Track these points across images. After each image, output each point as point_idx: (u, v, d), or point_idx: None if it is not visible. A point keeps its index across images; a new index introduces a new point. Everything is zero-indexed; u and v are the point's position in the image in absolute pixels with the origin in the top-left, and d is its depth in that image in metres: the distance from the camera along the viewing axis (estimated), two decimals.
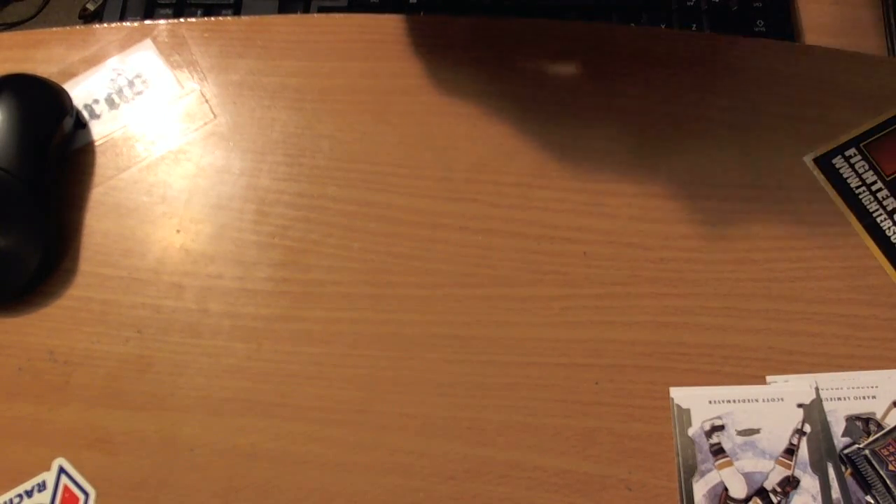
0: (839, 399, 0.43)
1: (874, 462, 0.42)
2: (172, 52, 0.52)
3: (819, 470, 0.42)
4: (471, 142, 0.49)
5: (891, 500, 0.41)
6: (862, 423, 0.42)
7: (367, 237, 0.47)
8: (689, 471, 0.42)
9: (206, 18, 0.54)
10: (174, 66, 0.52)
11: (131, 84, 0.52)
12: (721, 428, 0.43)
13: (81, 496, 0.43)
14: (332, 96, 0.51)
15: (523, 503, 0.42)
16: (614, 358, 0.45)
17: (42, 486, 0.43)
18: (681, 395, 0.44)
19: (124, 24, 0.53)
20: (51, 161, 0.48)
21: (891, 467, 0.41)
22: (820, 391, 0.43)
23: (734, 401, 0.43)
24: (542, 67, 0.51)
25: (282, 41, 0.52)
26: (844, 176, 0.48)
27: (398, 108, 0.50)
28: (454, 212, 0.48)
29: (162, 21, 0.53)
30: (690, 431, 0.43)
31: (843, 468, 0.42)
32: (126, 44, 0.52)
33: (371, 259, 0.47)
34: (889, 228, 0.47)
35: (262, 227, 0.48)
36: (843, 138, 0.49)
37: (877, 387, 0.43)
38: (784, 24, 0.54)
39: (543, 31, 0.52)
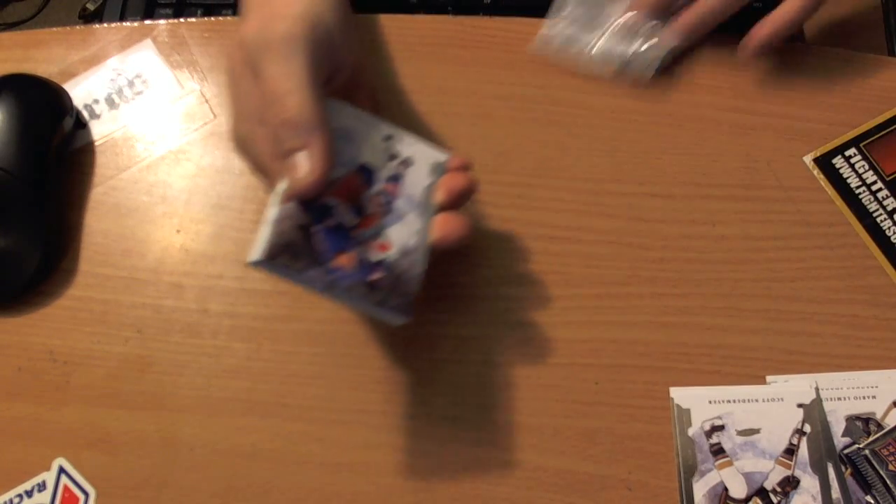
0: (839, 399, 0.43)
1: (874, 462, 0.42)
2: (172, 52, 0.52)
3: (819, 470, 0.42)
4: (471, 142, 0.49)
5: (891, 500, 0.41)
6: (862, 423, 0.42)
7: None
8: (689, 471, 0.42)
9: (206, 18, 0.54)
10: (174, 66, 0.52)
11: (131, 84, 0.52)
12: (721, 428, 0.43)
13: (81, 496, 0.43)
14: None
15: (523, 503, 0.42)
16: (614, 358, 0.45)
17: (42, 486, 0.43)
18: (681, 395, 0.44)
19: (124, 24, 0.53)
20: (51, 161, 0.48)
21: (891, 467, 0.41)
22: (820, 391, 0.43)
23: (734, 401, 0.43)
24: (542, 67, 0.51)
25: None
26: (844, 176, 0.48)
27: (399, 108, 0.50)
28: None
29: (162, 21, 0.53)
30: (690, 431, 0.43)
31: (843, 468, 0.42)
32: (126, 44, 0.52)
33: None
34: (889, 228, 0.47)
35: None
36: (843, 138, 0.49)
37: (877, 387, 0.43)
38: None
39: None
